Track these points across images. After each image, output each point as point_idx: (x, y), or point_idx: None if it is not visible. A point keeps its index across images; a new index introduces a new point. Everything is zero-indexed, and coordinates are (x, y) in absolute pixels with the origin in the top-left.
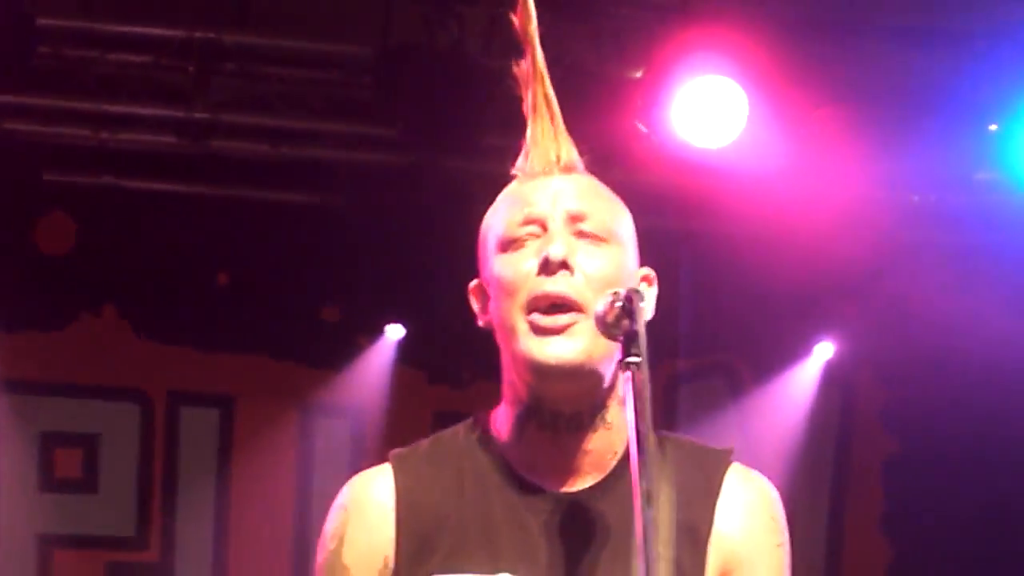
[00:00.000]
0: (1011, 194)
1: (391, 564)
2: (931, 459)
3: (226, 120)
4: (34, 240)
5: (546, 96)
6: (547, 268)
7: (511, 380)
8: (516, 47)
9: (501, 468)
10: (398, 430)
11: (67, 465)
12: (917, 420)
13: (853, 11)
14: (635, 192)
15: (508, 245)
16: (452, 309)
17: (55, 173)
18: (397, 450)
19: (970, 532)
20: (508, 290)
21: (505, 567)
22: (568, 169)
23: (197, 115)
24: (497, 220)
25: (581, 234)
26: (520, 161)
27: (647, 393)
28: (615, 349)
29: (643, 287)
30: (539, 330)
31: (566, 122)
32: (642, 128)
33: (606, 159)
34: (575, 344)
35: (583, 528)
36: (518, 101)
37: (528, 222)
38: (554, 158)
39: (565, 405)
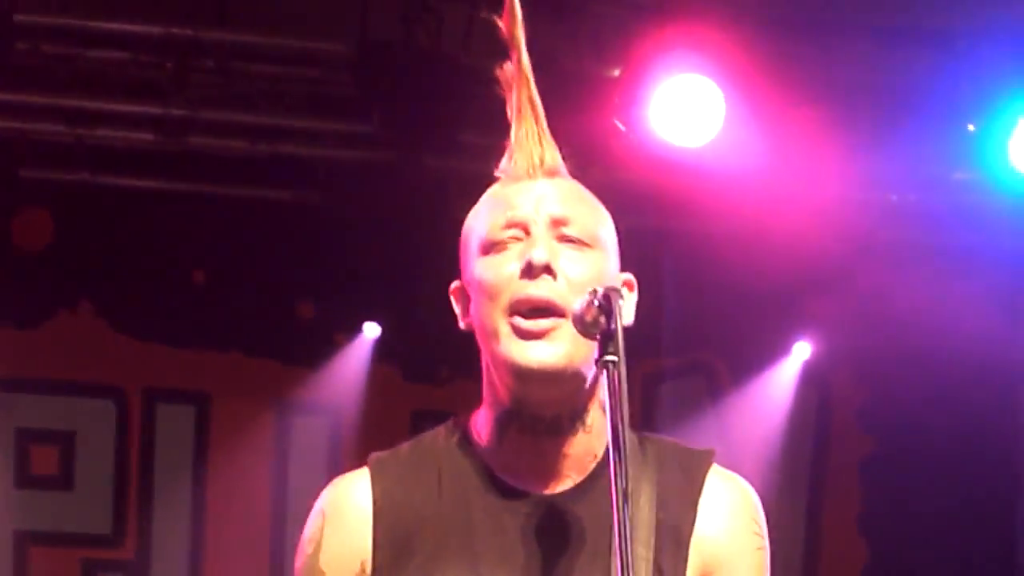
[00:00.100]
0: (989, 194)
1: (368, 569)
2: (908, 459)
3: (204, 117)
4: (10, 236)
5: (531, 99)
6: (530, 272)
7: (491, 383)
8: (495, 45)
9: (481, 471)
10: (375, 428)
11: (43, 462)
12: (894, 420)
13: (831, 10)
14: (613, 191)
15: (490, 248)
16: (429, 307)
17: (32, 169)
18: (376, 454)
19: (946, 531)
20: (490, 293)
21: (484, 570)
22: (552, 173)
23: (175, 111)
24: (479, 222)
25: (564, 238)
26: (503, 163)
27: (624, 392)
28: (596, 353)
29: (624, 292)
30: (521, 333)
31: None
32: (620, 127)
33: (584, 158)
34: (556, 348)
35: (562, 530)
36: (497, 99)
37: (511, 225)
38: (538, 161)
39: (545, 409)
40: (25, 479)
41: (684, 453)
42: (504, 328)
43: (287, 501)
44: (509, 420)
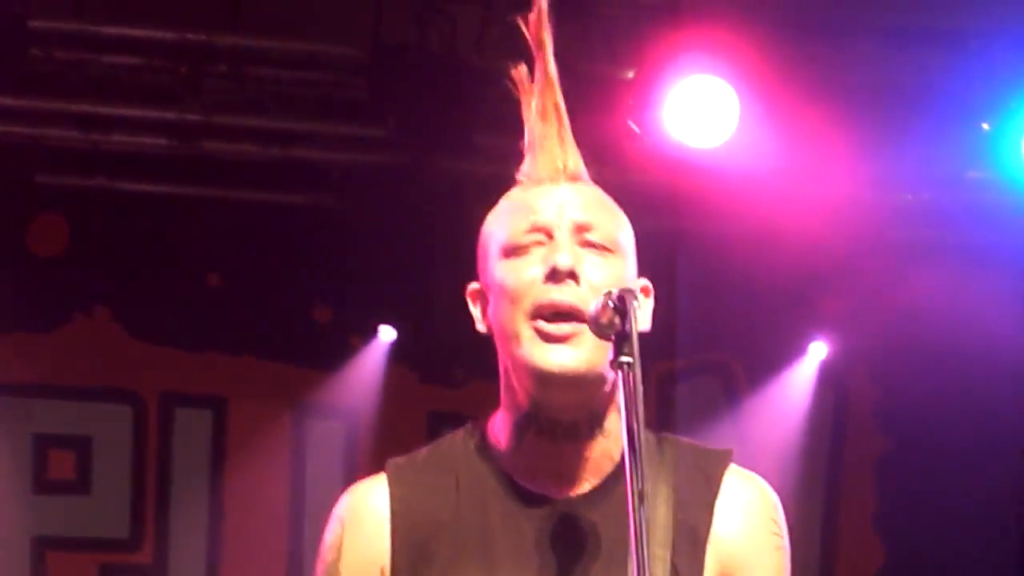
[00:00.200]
0: (1004, 193)
1: (387, 574)
2: (924, 458)
3: (218, 121)
4: (26, 242)
5: (556, 103)
6: (554, 277)
7: (510, 386)
8: (509, 47)
9: (498, 476)
10: (391, 430)
11: (60, 467)
12: (910, 419)
13: (844, 10)
14: (627, 192)
15: (513, 251)
16: (445, 309)
17: (47, 175)
18: (394, 459)
19: (962, 530)
20: (512, 296)
21: (502, 575)
22: (574, 178)
23: (189, 116)
24: (501, 225)
25: (586, 244)
26: (524, 166)
27: (639, 393)
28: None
29: (640, 298)
30: (545, 336)
31: None
32: (635, 128)
33: (598, 160)
34: (578, 353)
35: (580, 534)
36: (512, 101)
37: (534, 230)
38: (561, 166)
39: (564, 413)
40: (42, 484)
41: (702, 453)
42: (526, 332)
43: (304, 504)
44: (527, 424)
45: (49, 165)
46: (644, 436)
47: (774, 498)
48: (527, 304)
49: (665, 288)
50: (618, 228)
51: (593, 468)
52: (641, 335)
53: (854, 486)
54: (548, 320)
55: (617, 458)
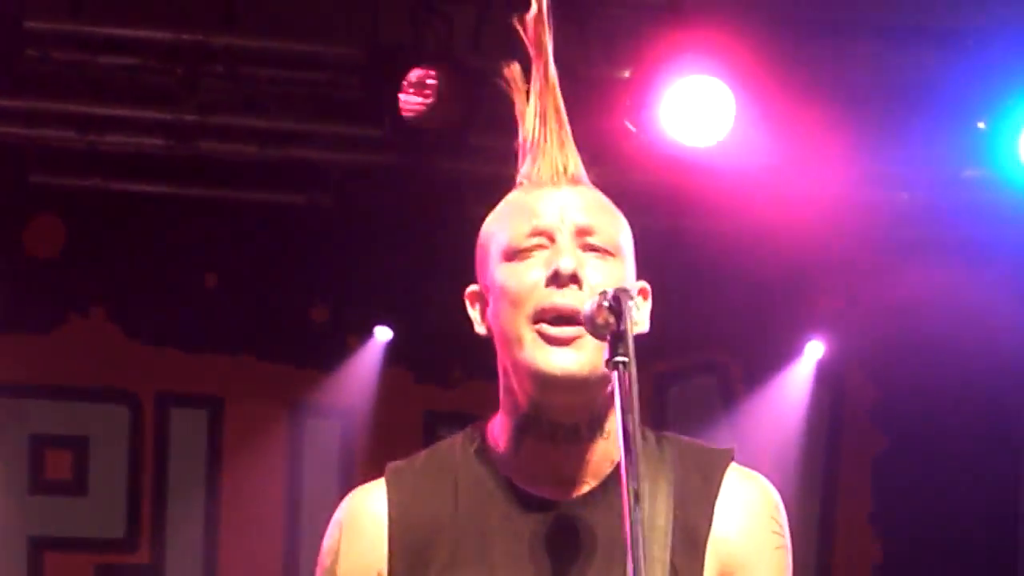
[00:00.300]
0: (1000, 191)
1: None
2: (921, 456)
3: (214, 122)
4: (22, 242)
5: (556, 106)
6: (557, 280)
7: (510, 389)
8: (505, 47)
9: (497, 479)
10: (388, 430)
11: (57, 467)
12: (907, 418)
13: (840, 10)
14: (623, 191)
15: (514, 255)
16: (441, 309)
17: (43, 175)
18: (394, 463)
19: (959, 529)
20: (513, 300)
21: None
22: (575, 181)
23: (185, 117)
24: (501, 229)
25: (588, 247)
26: (524, 168)
27: (635, 392)
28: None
29: (639, 300)
30: (548, 339)
31: None
32: (631, 128)
33: (593, 159)
34: (580, 356)
35: (579, 537)
36: (508, 102)
37: (536, 233)
38: (562, 169)
39: (565, 416)
40: (39, 485)
41: (703, 452)
42: (528, 335)
43: (301, 503)
44: (527, 427)
45: (45, 165)
46: (645, 435)
47: (776, 497)
48: (529, 308)
49: (660, 287)
50: (619, 231)
51: (593, 470)
52: (638, 336)
53: (851, 484)
54: (551, 323)
55: (617, 459)
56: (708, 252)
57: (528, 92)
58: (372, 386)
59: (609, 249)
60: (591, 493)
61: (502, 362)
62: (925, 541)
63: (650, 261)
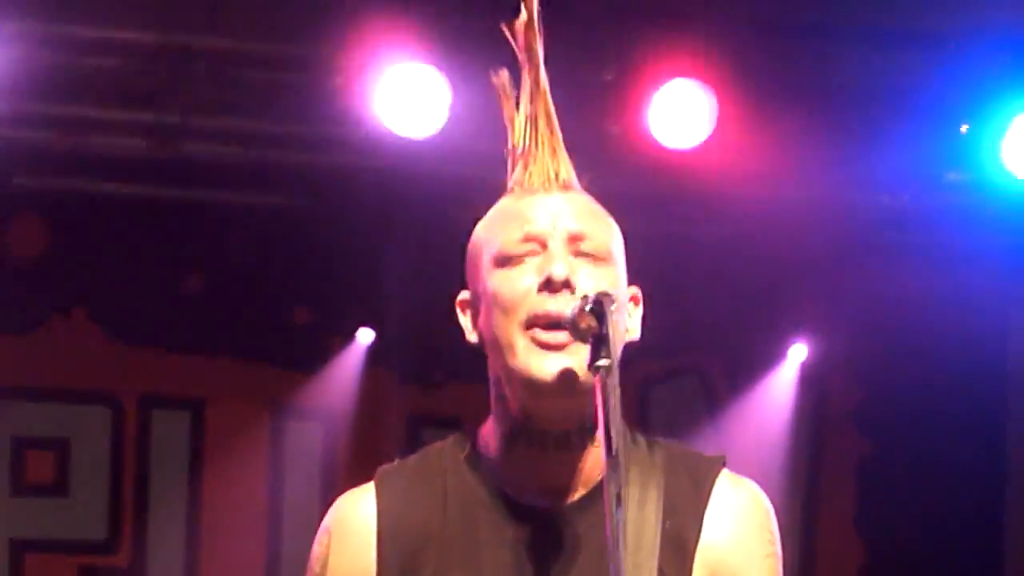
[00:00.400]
0: (982, 195)
1: None
2: (904, 459)
3: (197, 124)
4: (4, 244)
5: (547, 112)
6: (550, 287)
7: (501, 396)
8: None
9: (487, 485)
10: (371, 432)
11: (38, 469)
12: (891, 420)
13: (822, 13)
14: (607, 194)
15: (506, 261)
16: (424, 311)
17: (26, 177)
18: (384, 467)
19: (941, 531)
20: (505, 307)
21: None
22: (566, 187)
23: (168, 118)
24: (493, 235)
25: (580, 254)
26: (516, 174)
27: (617, 395)
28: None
29: (630, 307)
30: (540, 344)
31: None
32: (614, 131)
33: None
34: (573, 361)
35: (567, 544)
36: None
37: (528, 240)
38: (553, 175)
39: (555, 423)
40: (20, 486)
41: (694, 459)
42: (521, 341)
43: (283, 505)
44: (518, 434)
45: (27, 167)
46: (636, 440)
47: (767, 504)
48: (522, 314)
49: (644, 290)
50: (611, 237)
51: (583, 478)
52: (629, 342)
53: (835, 487)
54: (544, 329)
55: None
56: (691, 255)
57: (517, 99)
58: (355, 388)
59: (601, 255)
60: (581, 501)
61: (494, 369)
62: (909, 543)
63: (631, 264)
